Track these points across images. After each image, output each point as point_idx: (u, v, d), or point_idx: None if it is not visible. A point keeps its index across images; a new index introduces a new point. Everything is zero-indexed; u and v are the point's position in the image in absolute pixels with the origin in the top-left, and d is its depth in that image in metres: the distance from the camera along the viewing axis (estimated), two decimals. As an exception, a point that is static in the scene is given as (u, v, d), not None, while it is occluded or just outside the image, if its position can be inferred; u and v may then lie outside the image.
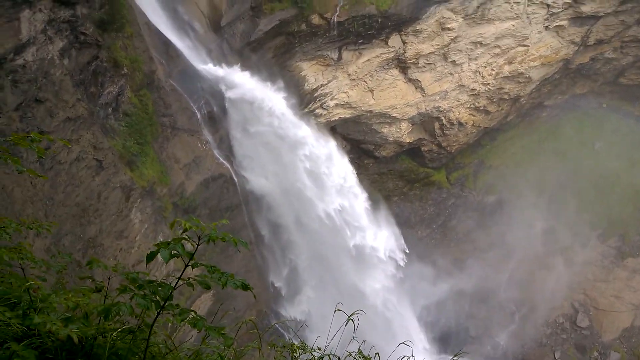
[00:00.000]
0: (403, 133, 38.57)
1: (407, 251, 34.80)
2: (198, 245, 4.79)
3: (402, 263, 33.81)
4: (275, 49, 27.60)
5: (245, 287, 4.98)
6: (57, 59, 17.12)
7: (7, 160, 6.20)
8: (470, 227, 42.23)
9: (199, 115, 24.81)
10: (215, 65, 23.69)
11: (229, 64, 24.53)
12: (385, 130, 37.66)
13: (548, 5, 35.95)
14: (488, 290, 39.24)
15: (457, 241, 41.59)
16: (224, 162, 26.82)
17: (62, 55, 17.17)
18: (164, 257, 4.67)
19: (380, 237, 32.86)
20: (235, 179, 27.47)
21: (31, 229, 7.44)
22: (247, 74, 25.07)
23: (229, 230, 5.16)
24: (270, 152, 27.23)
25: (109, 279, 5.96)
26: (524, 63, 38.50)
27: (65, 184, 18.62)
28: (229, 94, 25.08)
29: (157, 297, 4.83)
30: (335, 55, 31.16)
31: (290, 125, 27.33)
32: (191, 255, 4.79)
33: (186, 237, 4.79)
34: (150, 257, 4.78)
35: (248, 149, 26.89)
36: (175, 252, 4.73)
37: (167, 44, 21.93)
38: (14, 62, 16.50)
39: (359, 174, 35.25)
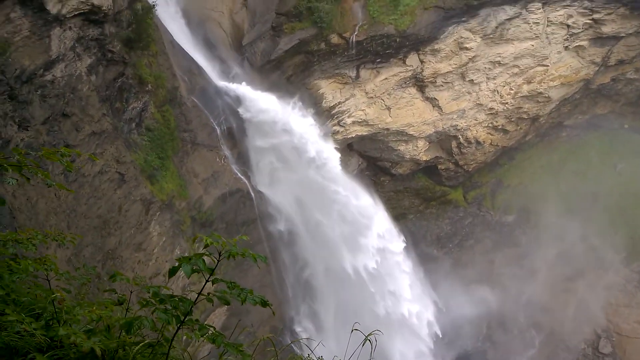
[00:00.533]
0: (420, 151, 38.55)
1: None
2: (219, 260, 4.90)
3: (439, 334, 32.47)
4: (294, 67, 28.07)
5: (265, 303, 5.07)
6: (85, 75, 17.72)
7: (37, 173, 6.43)
8: (488, 247, 41.66)
9: (218, 131, 25.27)
10: (235, 82, 24.18)
11: (249, 82, 25.01)
12: (402, 148, 37.70)
13: (568, 26, 35.88)
14: (507, 313, 38.44)
15: (474, 261, 40.99)
16: (242, 177, 27.16)
17: (89, 71, 17.77)
18: (186, 272, 4.79)
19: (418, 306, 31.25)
20: (252, 194, 27.76)
21: (56, 240, 7.62)
22: (266, 91, 25.50)
23: (246, 246, 5.27)
24: (289, 172, 27.27)
25: (131, 292, 6.10)
26: (543, 83, 38.32)
27: (88, 196, 19.10)
28: (248, 111, 25.52)
29: (178, 312, 4.94)
30: (353, 74, 31.52)
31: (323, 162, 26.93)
32: (212, 271, 4.90)
33: (207, 252, 4.89)
34: (173, 272, 4.90)
35: (266, 165, 27.17)
36: (196, 267, 4.83)
37: (190, 61, 22.53)
38: (43, 77, 17.14)
39: (375, 192, 35.27)
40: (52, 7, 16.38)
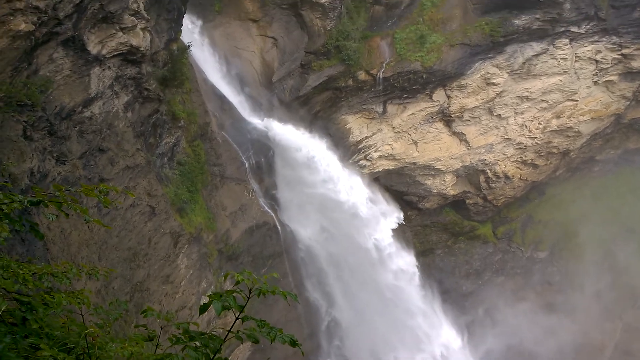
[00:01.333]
0: (447, 185, 38.17)
1: None
2: (249, 298, 4.91)
3: None
4: (322, 103, 28.61)
5: (294, 343, 5.04)
6: (122, 112, 18.46)
7: (76, 210, 6.64)
8: (519, 285, 40.32)
9: (247, 165, 25.73)
10: (264, 118, 24.77)
11: (278, 117, 25.58)
12: (429, 182, 37.43)
13: (597, 61, 35.62)
14: (538, 355, 36.78)
15: (505, 299, 39.64)
16: (269, 210, 27.39)
17: (126, 108, 18.51)
18: (217, 309, 4.81)
19: None
20: (279, 227, 27.88)
21: (90, 275, 7.76)
22: (294, 126, 25.98)
23: (273, 280, 5.27)
24: (316, 206, 27.40)
25: (161, 328, 6.14)
26: (573, 117, 37.81)
27: (120, 229, 19.53)
28: (277, 145, 25.98)
29: (208, 350, 4.95)
30: (380, 109, 31.85)
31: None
32: (242, 308, 4.91)
33: (237, 290, 4.92)
34: (204, 309, 4.94)
35: (293, 199, 27.38)
36: (226, 304, 4.85)
37: (221, 98, 23.27)
38: (82, 114, 17.87)
39: (402, 226, 34.91)
40: (93, 48, 17.25)
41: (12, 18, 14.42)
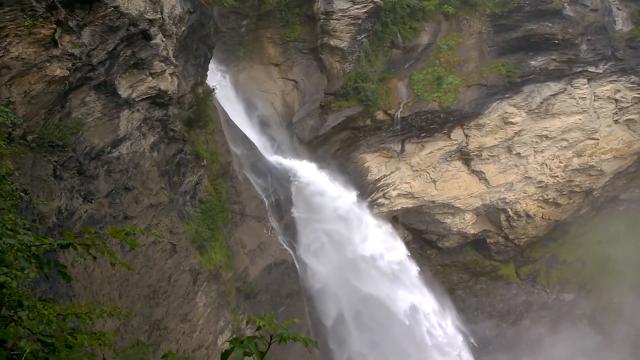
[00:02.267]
0: (467, 224, 37.74)
1: None
2: (270, 344, 4.98)
3: None
4: (340, 142, 29.06)
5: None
6: (148, 152, 19.09)
7: (103, 253, 6.86)
8: (546, 329, 38.86)
9: (266, 203, 26.03)
10: (284, 157, 25.25)
11: (298, 156, 26.04)
12: (448, 220, 37.10)
13: (616, 100, 35.54)
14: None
15: (530, 344, 38.21)
16: (287, 248, 27.43)
17: (152, 148, 19.14)
18: (238, 356, 4.90)
19: None
20: (297, 265, 27.81)
21: (112, 316, 7.91)
22: (313, 165, 26.37)
23: (288, 318, 5.30)
24: (336, 246, 27.31)
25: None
26: (595, 156, 37.42)
27: (141, 266, 19.79)
28: (296, 183, 26.32)
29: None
30: (398, 148, 32.14)
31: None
32: (262, 355, 4.98)
33: (259, 335, 5.00)
34: (225, 356, 5.03)
35: (312, 237, 27.41)
36: (248, 350, 4.93)
37: (243, 138, 23.88)
38: (110, 154, 18.51)
39: (421, 265, 34.42)
40: (123, 92, 18.07)
41: (48, 64, 15.24)
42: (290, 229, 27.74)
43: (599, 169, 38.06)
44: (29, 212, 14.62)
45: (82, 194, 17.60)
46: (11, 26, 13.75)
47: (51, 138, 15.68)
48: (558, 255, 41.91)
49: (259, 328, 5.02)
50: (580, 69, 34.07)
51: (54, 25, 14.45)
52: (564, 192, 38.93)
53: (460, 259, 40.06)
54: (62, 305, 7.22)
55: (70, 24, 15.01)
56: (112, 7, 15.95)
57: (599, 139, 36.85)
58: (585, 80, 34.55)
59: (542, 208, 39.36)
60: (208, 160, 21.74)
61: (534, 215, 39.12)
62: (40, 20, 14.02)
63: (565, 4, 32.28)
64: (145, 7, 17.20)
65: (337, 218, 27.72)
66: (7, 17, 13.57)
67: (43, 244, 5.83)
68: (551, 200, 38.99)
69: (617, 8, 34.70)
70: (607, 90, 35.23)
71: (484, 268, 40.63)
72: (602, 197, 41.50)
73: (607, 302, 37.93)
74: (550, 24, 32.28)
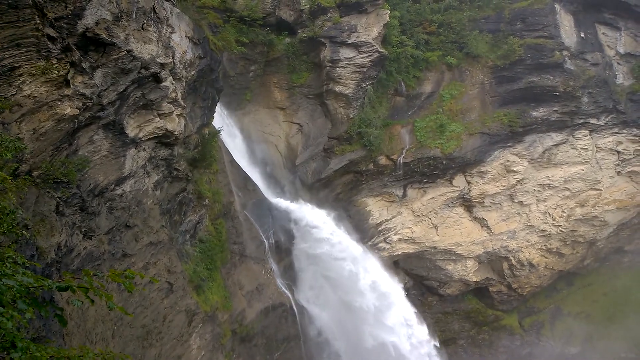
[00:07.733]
0: (469, 271, 37.26)
1: None
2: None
3: None
4: (343, 186, 29.22)
5: None
6: (151, 190, 19.21)
7: (101, 296, 6.82)
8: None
9: (266, 244, 25.90)
10: (287, 199, 25.34)
11: (300, 199, 26.13)
12: (450, 267, 36.67)
13: (618, 152, 35.84)
14: None
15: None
16: (285, 291, 27.04)
17: (155, 187, 19.28)
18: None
19: None
20: (295, 309, 27.33)
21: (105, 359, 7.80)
22: (316, 208, 26.41)
23: None
24: (335, 289, 26.92)
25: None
26: (598, 206, 37.34)
27: (137, 305, 19.50)
28: (297, 226, 26.27)
29: None
30: (400, 192, 32.24)
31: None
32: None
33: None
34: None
35: (311, 280, 27.08)
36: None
37: (246, 178, 24.07)
38: (114, 191, 18.60)
39: (422, 312, 33.75)
40: (131, 132, 18.38)
41: (59, 103, 15.57)
42: (290, 271, 27.46)
43: (603, 219, 37.89)
44: (29, 248, 14.57)
45: (83, 230, 17.57)
46: (26, 66, 14.17)
47: (56, 174, 15.76)
48: (562, 306, 41.09)
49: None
50: (582, 121, 34.53)
51: (68, 66, 14.86)
52: (568, 242, 38.61)
53: (462, 307, 39.30)
54: (54, 348, 7.14)
55: (84, 65, 15.45)
56: (126, 50, 16.46)
57: (601, 190, 36.89)
58: (587, 131, 34.97)
59: (546, 257, 38.93)
60: (210, 200, 21.84)
61: (537, 264, 38.65)
62: (54, 61, 14.44)
63: (566, 58, 33.07)
64: (158, 51, 17.76)
65: (340, 261, 27.39)
66: (23, 57, 14.01)
67: (42, 286, 5.84)
68: (554, 249, 38.62)
69: (618, 63, 35.55)
70: (609, 142, 35.58)
71: (486, 317, 39.77)
72: (607, 248, 41.07)
73: (614, 357, 36.76)
74: (552, 77, 32.97)
